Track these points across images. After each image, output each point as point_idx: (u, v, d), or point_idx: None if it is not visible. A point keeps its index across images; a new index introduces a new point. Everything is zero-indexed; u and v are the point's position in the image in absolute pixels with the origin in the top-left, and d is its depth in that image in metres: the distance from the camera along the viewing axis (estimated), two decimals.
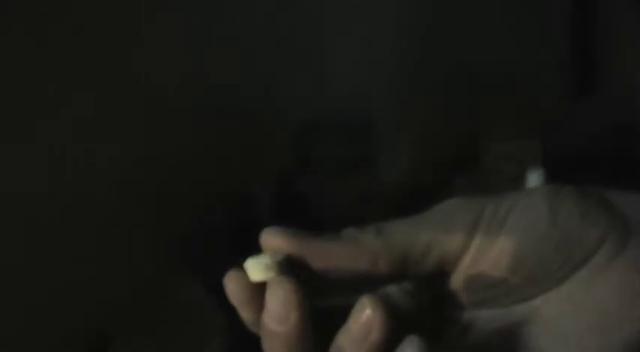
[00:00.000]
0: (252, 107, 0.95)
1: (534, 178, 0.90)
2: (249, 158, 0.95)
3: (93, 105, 0.79)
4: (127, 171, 0.84)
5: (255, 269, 0.30)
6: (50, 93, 0.75)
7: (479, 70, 1.12)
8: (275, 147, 0.97)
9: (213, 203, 0.91)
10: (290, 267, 0.30)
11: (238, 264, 0.31)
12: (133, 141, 0.84)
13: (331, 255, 0.30)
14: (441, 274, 0.32)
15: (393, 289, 0.34)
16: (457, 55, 1.12)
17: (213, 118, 0.90)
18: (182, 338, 0.75)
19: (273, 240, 0.31)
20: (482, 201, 0.31)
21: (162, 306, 0.79)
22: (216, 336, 0.73)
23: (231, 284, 0.30)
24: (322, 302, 0.31)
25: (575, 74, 1.17)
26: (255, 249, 0.32)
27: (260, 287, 0.30)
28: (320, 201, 0.94)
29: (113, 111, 0.81)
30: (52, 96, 0.75)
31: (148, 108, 0.85)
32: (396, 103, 1.10)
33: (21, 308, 0.75)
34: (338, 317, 0.29)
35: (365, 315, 0.28)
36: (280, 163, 0.96)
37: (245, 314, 0.30)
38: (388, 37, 1.08)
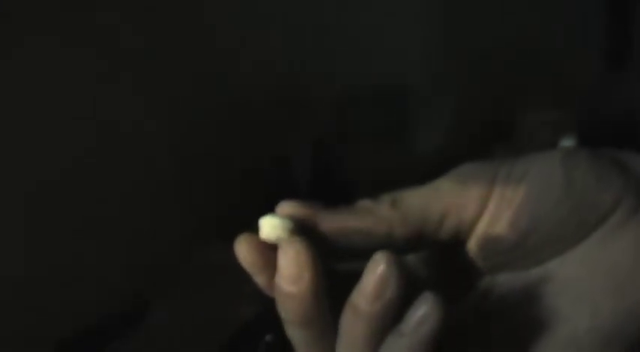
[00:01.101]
0: (291, 77, 0.95)
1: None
2: (286, 126, 0.95)
3: (132, 80, 0.80)
4: (162, 137, 0.85)
5: (269, 226, 0.29)
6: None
7: (515, 41, 1.11)
8: (312, 115, 0.97)
9: (250, 170, 0.92)
10: (303, 231, 0.30)
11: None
12: (169, 106, 0.85)
13: (346, 226, 0.30)
14: (457, 241, 0.31)
15: (408, 258, 0.33)
16: (493, 26, 1.11)
17: (254, 87, 0.91)
18: (216, 301, 0.76)
19: (288, 208, 0.31)
20: (496, 166, 0.31)
21: (197, 270, 0.80)
22: (248, 299, 0.74)
23: (242, 247, 0.30)
24: (336, 267, 0.31)
25: (610, 46, 1.15)
26: None
27: (272, 250, 0.29)
28: (356, 170, 0.94)
29: (154, 83, 0.82)
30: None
31: (188, 77, 0.86)
32: (432, 73, 1.09)
33: (62, 273, 0.76)
34: (353, 281, 0.29)
35: (379, 271, 0.27)
36: (317, 131, 0.97)
37: (258, 277, 0.30)
38: (425, 9, 1.07)
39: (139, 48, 0.80)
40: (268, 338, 0.69)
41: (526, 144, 1.01)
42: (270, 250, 0.30)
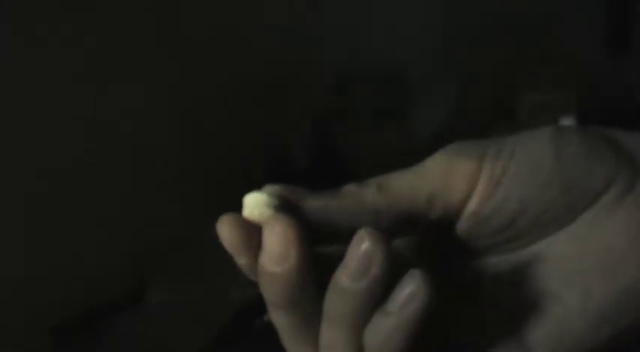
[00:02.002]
0: (291, 58, 0.95)
1: None
2: (286, 108, 0.95)
3: (133, 69, 0.80)
4: (161, 120, 0.85)
5: (254, 203, 0.28)
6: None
7: (515, 22, 1.10)
8: (312, 97, 0.97)
9: (249, 151, 0.92)
10: (288, 209, 0.28)
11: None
12: (172, 89, 0.85)
13: (331, 211, 0.29)
14: (446, 223, 0.30)
15: (397, 242, 0.32)
16: (493, 7, 1.10)
17: (252, 69, 0.91)
18: (214, 283, 0.76)
19: (273, 188, 0.29)
20: (484, 146, 0.30)
21: (196, 250, 0.80)
22: (247, 281, 0.74)
23: (225, 226, 0.28)
24: (319, 249, 0.29)
25: (611, 28, 1.15)
26: None
27: (256, 230, 0.28)
28: (355, 152, 0.94)
29: (161, 61, 0.82)
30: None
31: (190, 60, 0.85)
32: (432, 55, 1.09)
33: (61, 257, 0.77)
34: (337, 263, 0.28)
35: (363, 247, 0.26)
36: (317, 113, 0.96)
37: (241, 258, 0.28)
38: None
39: (139, 37, 0.80)
40: (267, 317, 0.69)
41: (526, 123, 1.01)
42: (254, 230, 0.28)
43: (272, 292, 0.28)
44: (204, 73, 0.87)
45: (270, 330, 0.68)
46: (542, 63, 1.09)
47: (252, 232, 0.28)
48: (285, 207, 0.28)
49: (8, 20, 0.69)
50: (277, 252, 0.27)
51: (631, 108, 1.06)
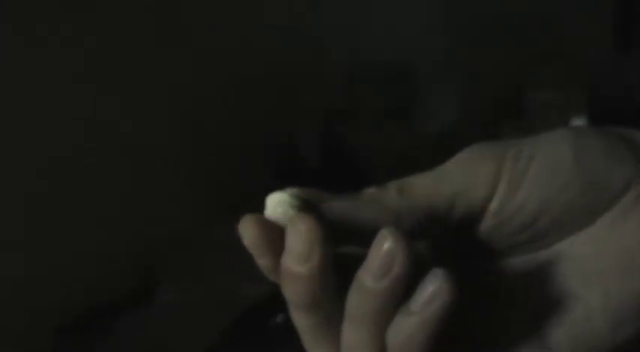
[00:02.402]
0: (299, 56, 0.95)
1: None
2: (295, 105, 0.95)
3: (141, 61, 0.80)
4: (172, 116, 0.85)
5: (276, 202, 0.28)
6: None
7: (518, 21, 1.10)
8: (321, 94, 0.97)
9: (259, 149, 0.92)
10: (310, 210, 0.28)
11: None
12: (176, 89, 0.85)
13: (352, 213, 0.29)
14: (466, 225, 0.30)
15: (417, 243, 0.31)
16: (498, 6, 1.10)
17: (261, 67, 0.91)
18: (225, 280, 0.76)
19: (294, 190, 0.29)
20: (504, 148, 0.30)
21: (206, 249, 0.80)
22: (258, 279, 0.74)
23: (247, 226, 0.28)
24: (340, 250, 0.29)
25: (619, 27, 1.14)
26: None
27: (278, 230, 0.28)
28: (364, 149, 0.94)
29: (164, 61, 0.82)
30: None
31: (197, 60, 0.86)
32: (440, 53, 1.09)
33: (66, 255, 0.77)
34: (358, 263, 0.28)
35: (386, 247, 0.26)
36: (326, 111, 0.96)
37: (264, 258, 0.29)
38: None
39: (141, 37, 0.80)
40: (279, 318, 0.69)
41: (533, 123, 1.00)
42: (276, 230, 0.28)
43: (294, 292, 0.28)
44: (212, 73, 0.87)
45: (279, 331, 0.69)
46: (548, 62, 1.09)
47: (275, 232, 0.28)
48: (307, 207, 0.28)
49: (8, 20, 0.69)
50: (301, 251, 0.27)
51: (631, 108, 1.06)
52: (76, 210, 0.77)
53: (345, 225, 0.29)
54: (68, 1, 0.73)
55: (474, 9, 1.09)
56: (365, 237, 0.28)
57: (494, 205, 0.30)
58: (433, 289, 0.27)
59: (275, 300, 0.73)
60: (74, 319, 0.75)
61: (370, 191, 0.30)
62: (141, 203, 0.83)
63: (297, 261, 0.28)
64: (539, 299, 0.30)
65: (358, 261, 0.28)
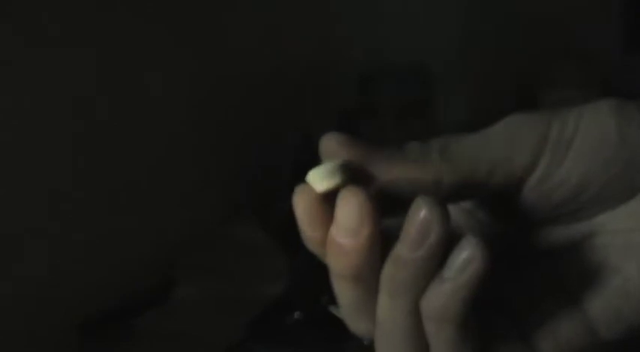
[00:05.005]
0: (317, 55, 0.95)
1: None
2: (310, 100, 0.95)
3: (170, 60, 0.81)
4: (189, 116, 0.85)
5: (319, 177, 0.28)
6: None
7: (536, 20, 1.09)
8: (337, 90, 0.97)
9: (277, 147, 0.92)
10: (354, 173, 0.28)
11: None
12: (193, 83, 0.85)
13: (394, 167, 0.28)
14: (505, 193, 0.30)
15: (453, 212, 0.31)
16: (515, 5, 1.10)
17: (278, 62, 0.91)
18: (242, 279, 0.76)
19: (334, 145, 0.29)
20: (547, 118, 0.30)
21: (223, 249, 0.81)
22: (274, 278, 0.74)
23: (299, 198, 0.28)
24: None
25: (629, 27, 1.14)
26: None
27: (327, 201, 0.28)
28: (379, 144, 0.94)
29: (184, 60, 0.83)
30: None
31: (216, 56, 0.86)
32: (454, 53, 1.08)
33: (91, 252, 0.77)
34: (395, 234, 0.27)
35: (422, 216, 0.26)
36: (342, 106, 0.96)
37: (311, 231, 0.28)
38: None
39: (164, 27, 0.81)
40: (297, 315, 0.69)
41: None
42: (325, 201, 0.28)
43: (340, 265, 0.28)
44: (230, 72, 0.87)
45: (299, 327, 0.69)
46: (561, 62, 1.08)
47: (324, 204, 0.28)
48: (350, 169, 0.28)
49: (8, 20, 0.69)
50: (351, 224, 0.27)
51: None
52: (99, 207, 0.78)
53: (386, 177, 0.28)
54: (81, 1, 0.74)
55: (488, 9, 1.09)
56: (404, 203, 0.28)
57: (535, 177, 0.29)
58: (467, 256, 0.26)
59: (290, 299, 0.74)
60: (99, 316, 0.76)
61: (413, 146, 0.29)
62: (163, 201, 0.83)
63: (347, 234, 0.27)
64: (576, 270, 0.30)
65: (396, 231, 0.27)
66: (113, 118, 0.78)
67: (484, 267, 0.26)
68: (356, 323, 0.30)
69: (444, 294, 0.27)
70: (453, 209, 0.32)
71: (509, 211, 0.31)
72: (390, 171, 0.28)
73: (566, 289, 0.30)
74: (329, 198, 0.28)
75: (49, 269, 0.74)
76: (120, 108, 0.78)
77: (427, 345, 0.29)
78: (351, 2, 0.98)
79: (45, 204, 0.73)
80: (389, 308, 0.28)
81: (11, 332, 0.71)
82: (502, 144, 0.29)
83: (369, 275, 0.28)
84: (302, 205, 0.28)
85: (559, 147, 0.29)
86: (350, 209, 0.27)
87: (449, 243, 0.27)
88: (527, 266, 0.31)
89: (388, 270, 0.28)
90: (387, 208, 0.29)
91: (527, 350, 0.30)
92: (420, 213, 0.26)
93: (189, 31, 0.83)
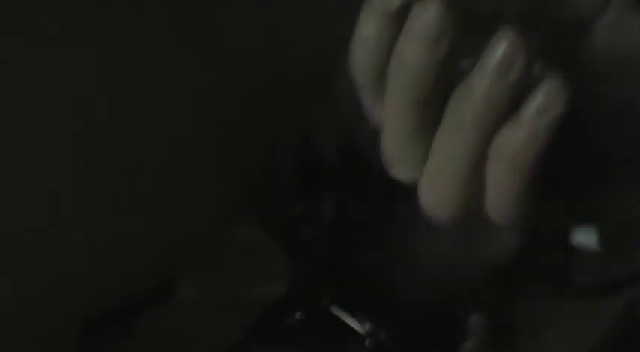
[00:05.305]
0: (316, 52, 0.94)
1: None
2: (310, 101, 0.95)
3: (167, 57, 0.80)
4: (188, 116, 0.85)
5: None
6: None
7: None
8: (340, 92, 0.96)
9: (277, 149, 0.92)
10: None
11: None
12: (197, 87, 0.85)
13: None
14: (570, 40, 0.28)
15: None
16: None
17: (278, 62, 0.90)
18: (242, 279, 0.76)
19: None
20: None
21: (223, 249, 0.80)
22: (274, 278, 0.74)
23: (368, 16, 0.26)
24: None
25: None
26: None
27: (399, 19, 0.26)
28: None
29: (184, 60, 0.82)
30: None
31: (215, 56, 0.86)
32: None
33: (91, 250, 0.77)
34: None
35: (504, 47, 0.24)
36: (345, 108, 0.96)
37: (377, 51, 0.27)
38: None
39: (164, 27, 0.80)
40: (299, 315, 0.69)
41: None
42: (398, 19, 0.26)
43: (410, 81, 0.26)
44: (229, 73, 0.87)
45: (299, 328, 0.69)
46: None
47: (397, 21, 0.27)
48: None
49: (8, 20, 0.69)
50: (430, 36, 0.25)
51: None
52: (99, 207, 0.77)
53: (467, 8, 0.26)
54: (81, 1, 0.73)
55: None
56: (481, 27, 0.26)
57: (606, 19, 0.28)
58: (546, 99, 0.24)
59: (292, 298, 0.74)
60: (99, 316, 0.75)
61: None
62: (163, 200, 0.83)
63: (424, 46, 0.25)
64: (631, 132, 0.29)
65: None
66: (113, 118, 0.78)
67: (562, 113, 0.25)
68: (402, 163, 0.29)
69: (518, 139, 0.25)
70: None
71: (569, 65, 0.28)
72: None
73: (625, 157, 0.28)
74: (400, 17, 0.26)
75: (49, 269, 0.73)
76: (120, 108, 0.78)
77: (480, 186, 0.27)
78: (351, 2, 0.98)
79: (45, 204, 0.73)
80: (450, 142, 0.26)
81: (11, 332, 0.71)
82: None
83: (435, 100, 0.26)
84: (371, 23, 0.27)
85: None
86: (431, 15, 0.25)
87: (529, 79, 0.25)
88: (584, 124, 0.29)
89: (456, 101, 0.26)
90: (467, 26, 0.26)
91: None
92: (504, 43, 0.25)
93: (189, 31, 0.83)
